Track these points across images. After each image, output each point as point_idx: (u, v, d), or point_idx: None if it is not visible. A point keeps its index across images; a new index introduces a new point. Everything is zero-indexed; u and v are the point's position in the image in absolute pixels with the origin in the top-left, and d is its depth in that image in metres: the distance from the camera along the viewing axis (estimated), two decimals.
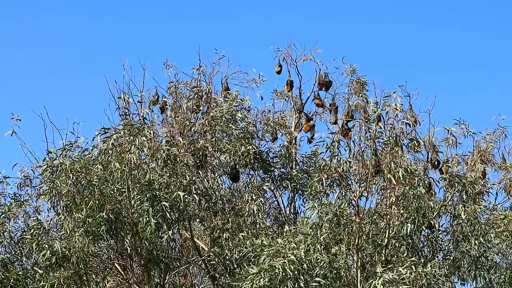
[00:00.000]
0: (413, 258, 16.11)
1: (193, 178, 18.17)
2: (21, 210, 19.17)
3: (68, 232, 17.95)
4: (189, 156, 18.74)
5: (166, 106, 20.62)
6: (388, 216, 16.55)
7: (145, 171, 17.78)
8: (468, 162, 18.71)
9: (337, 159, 16.64)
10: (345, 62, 22.09)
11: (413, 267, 15.73)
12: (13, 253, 19.12)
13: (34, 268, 19.00)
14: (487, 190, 18.67)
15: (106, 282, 19.17)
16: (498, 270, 18.11)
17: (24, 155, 19.45)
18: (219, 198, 18.73)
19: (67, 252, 17.83)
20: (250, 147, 19.65)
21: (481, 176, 18.56)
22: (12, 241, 19.07)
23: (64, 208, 18.20)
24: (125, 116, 19.30)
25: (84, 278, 18.32)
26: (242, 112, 19.94)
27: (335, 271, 16.21)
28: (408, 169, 16.90)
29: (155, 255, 18.55)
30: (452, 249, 17.56)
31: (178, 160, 18.26)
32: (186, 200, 17.57)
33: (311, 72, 22.49)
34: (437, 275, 15.88)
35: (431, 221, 17.37)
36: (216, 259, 18.64)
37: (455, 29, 46.16)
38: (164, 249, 18.85)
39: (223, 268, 18.64)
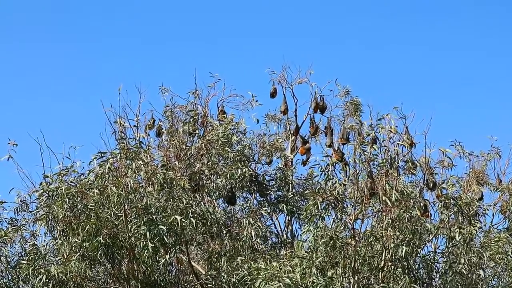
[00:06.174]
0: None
1: (190, 201, 18.20)
2: (18, 235, 19.13)
3: (65, 257, 17.96)
4: (186, 179, 18.79)
5: (162, 130, 20.73)
6: (384, 239, 16.58)
7: (142, 195, 17.82)
8: (463, 183, 18.76)
9: (332, 182, 16.73)
10: (338, 84, 22.27)
11: None
12: (10, 278, 19.05)
13: None
14: (483, 212, 18.70)
15: None
16: None
17: (20, 179, 19.50)
18: (215, 221, 18.76)
19: (63, 276, 17.83)
20: (246, 170, 19.73)
21: (478, 199, 18.62)
22: (8, 266, 19.02)
23: (61, 233, 18.19)
24: (122, 140, 19.35)
25: None
26: (237, 135, 20.05)
27: None
28: (404, 191, 16.97)
29: (152, 279, 18.55)
30: (447, 271, 17.56)
31: (174, 183, 18.30)
32: (183, 224, 17.60)
33: (306, 95, 22.64)
34: None
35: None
36: (213, 283, 18.65)
37: (454, 49, 46.38)
38: (161, 273, 18.85)
39: None
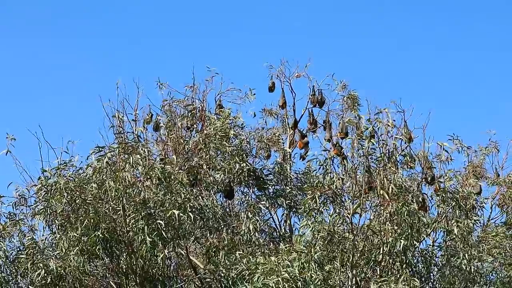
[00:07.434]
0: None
1: (188, 196, 18.19)
2: (16, 229, 19.13)
3: (63, 251, 17.95)
4: (184, 174, 18.78)
5: (160, 125, 20.74)
6: (382, 233, 16.60)
7: (140, 189, 17.81)
8: (460, 177, 18.77)
9: (330, 176, 16.74)
10: (335, 78, 22.25)
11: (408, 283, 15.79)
12: (8, 272, 19.04)
13: (29, 287, 18.97)
14: (481, 205, 18.72)
15: None
16: (492, 286, 18.15)
17: (19, 174, 19.50)
18: (212, 215, 18.76)
19: (62, 271, 17.83)
20: (244, 164, 19.71)
21: (476, 193, 18.64)
22: (7, 260, 19.00)
23: (59, 227, 18.21)
24: (120, 134, 19.35)
25: None
26: (235, 130, 20.02)
27: None
28: (402, 185, 16.98)
29: (151, 273, 18.57)
30: (445, 265, 17.59)
31: (172, 178, 18.29)
32: (181, 218, 17.60)
33: (304, 89, 22.61)
34: None
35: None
36: (212, 277, 18.66)
37: (451, 45, 46.41)
38: (159, 267, 18.86)
39: (218, 286, 18.65)
